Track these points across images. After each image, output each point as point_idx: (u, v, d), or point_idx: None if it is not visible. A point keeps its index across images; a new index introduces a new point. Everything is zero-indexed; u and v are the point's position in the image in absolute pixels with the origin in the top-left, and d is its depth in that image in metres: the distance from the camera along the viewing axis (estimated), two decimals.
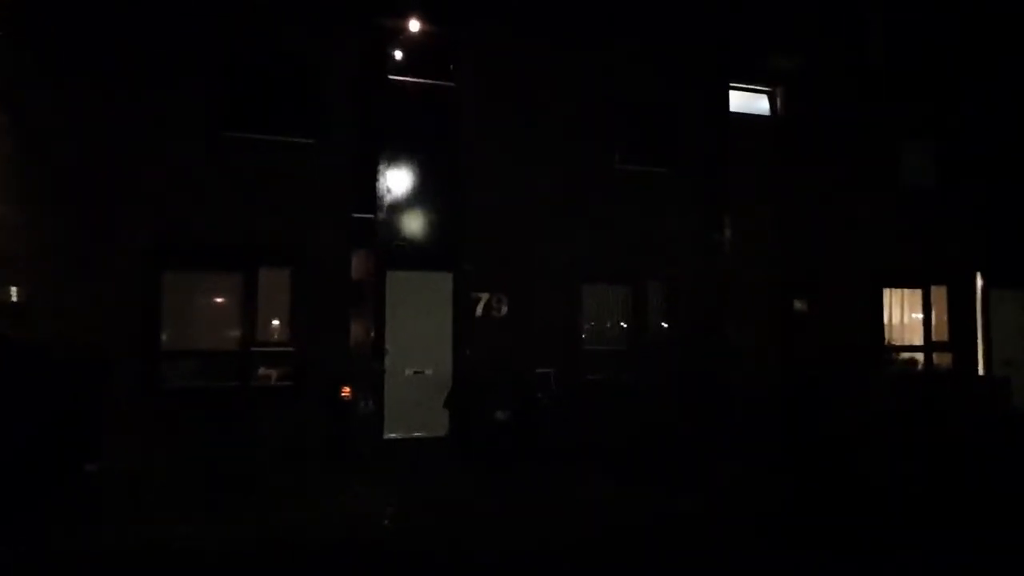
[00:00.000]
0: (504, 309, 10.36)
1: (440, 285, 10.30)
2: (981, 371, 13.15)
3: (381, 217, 10.03)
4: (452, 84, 10.43)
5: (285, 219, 9.42)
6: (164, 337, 8.88)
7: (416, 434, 10.01)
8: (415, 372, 10.12)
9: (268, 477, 8.22)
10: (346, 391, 8.98)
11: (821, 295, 12.02)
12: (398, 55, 10.26)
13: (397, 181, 10.19)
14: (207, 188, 9.12)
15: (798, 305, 11.99)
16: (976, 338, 13.25)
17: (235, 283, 9.24)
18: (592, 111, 10.97)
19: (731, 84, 12.08)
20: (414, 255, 10.20)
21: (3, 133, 8.42)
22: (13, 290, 8.28)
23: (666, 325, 11.37)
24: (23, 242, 8.39)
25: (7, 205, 8.39)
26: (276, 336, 9.48)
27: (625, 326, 11.24)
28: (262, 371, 9.33)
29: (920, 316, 13.06)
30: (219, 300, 9.41)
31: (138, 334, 8.69)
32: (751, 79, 12.25)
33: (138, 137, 8.86)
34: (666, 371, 10.98)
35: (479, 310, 10.28)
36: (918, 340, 13.05)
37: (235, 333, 9.23)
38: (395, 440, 9.88)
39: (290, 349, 9.42)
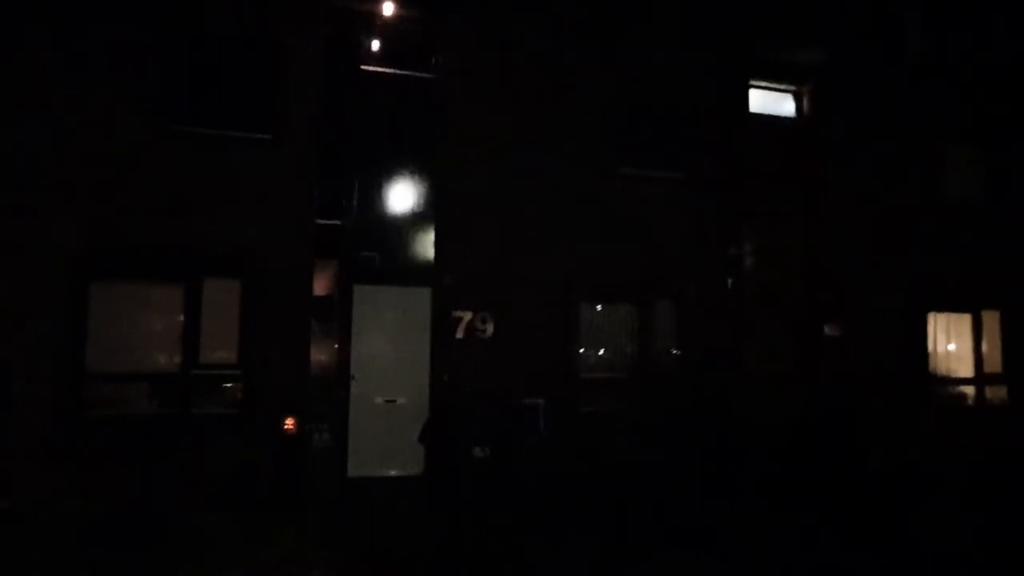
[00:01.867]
0: (489, 330, 9.09)
1: (416, 302, 9.08)
2: None
3: (349, 224, 8.87)
4: (433, 76, 9.28)
5: (236, 224, 8.26)
6: (89, 357, 7.69)
7: (386, 472, 8.79)
8: (386, 401, 8.89)
9: (198, 526, 6.95)
10: (290, 423, 7.68)
11: (855, 320, 10.60)
12: (372, 43, 9.14)
13: (368, 184, 9.01)
14: (146, 188, 8.00)
15: (828, 330, 10.60)
16: None
17: (175, 296, 8.07)
18: (594, 109, 9.75)
19: (751, 82, 10.81)
20: (386, 267, 9.01)
21: None
22: None
23: (676, 351, 9.99)
24: None
25: None
26: (223, 357, 8.24)
27: (628, 352, 9.86)
28: (205, 398, 8.11)
29: (969, 344, 11.57)
30: (156, 315, 8.17)
31: (58, 354, 7.53)
32: (774, 77, 10.96)
33: (66, 129, 7.78)
34: (675, 404, 9.58)
35: (460, 331, 9.02)
36: (966, 371, 11.54)
37: (175, 354, 8.04)
38: (361, 479, 8.64)
39: (238, 372, 8.21)
